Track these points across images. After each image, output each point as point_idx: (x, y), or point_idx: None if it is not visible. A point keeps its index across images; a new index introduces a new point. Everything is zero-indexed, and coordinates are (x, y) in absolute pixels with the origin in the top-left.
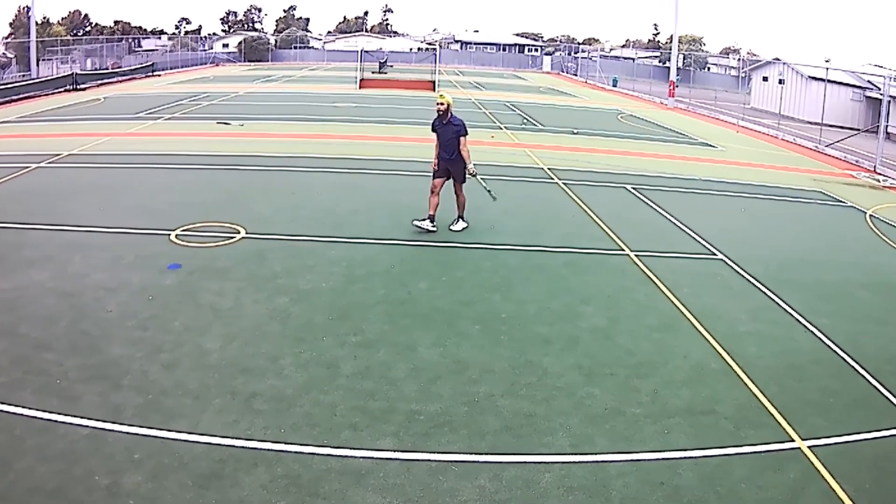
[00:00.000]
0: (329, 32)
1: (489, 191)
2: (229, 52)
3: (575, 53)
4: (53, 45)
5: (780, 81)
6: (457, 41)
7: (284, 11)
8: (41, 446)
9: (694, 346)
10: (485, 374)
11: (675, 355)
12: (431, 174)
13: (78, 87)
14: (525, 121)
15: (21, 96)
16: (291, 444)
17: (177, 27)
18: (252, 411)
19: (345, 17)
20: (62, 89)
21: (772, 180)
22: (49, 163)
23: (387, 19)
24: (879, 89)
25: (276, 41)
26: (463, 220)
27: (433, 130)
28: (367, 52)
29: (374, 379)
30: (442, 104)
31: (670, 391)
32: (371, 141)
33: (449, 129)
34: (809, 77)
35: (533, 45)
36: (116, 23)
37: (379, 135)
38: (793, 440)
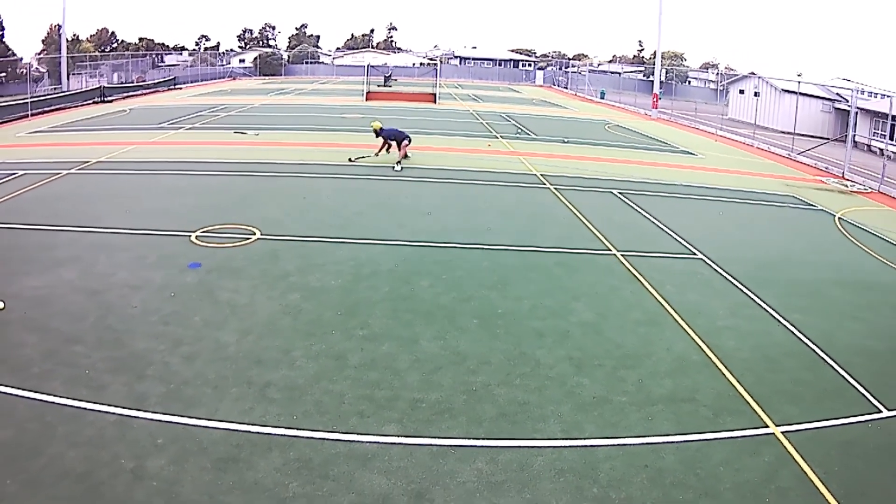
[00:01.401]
0: (338, 48)
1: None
2: (245, 67)
3: (565, 68)
4: (83, 60)
5: (756, 94)
6: (456, 56)
7: (297, 29)
8: (71, 432)
9: (676, 340)
10: (482, 365)
11: (659, 348)
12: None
13: (105, 99)
14: (519, 130)
15: (52, 108)
16: (303, 430)
17: (197, 44)
18: (266, 400)
19: (352, 35)
20: (90, 101)
21: (748, 185)
22: (78, 169)
23: (391, 36)
24: (847, 101)
25: (288, 56)
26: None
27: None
28: (373, 66)
29: (380, 370)
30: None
31: (654, 381)
32: (375, 149)
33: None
34: (782, 90)
35: (526, 61)
36: (141, 39)
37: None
38: (767, 426)
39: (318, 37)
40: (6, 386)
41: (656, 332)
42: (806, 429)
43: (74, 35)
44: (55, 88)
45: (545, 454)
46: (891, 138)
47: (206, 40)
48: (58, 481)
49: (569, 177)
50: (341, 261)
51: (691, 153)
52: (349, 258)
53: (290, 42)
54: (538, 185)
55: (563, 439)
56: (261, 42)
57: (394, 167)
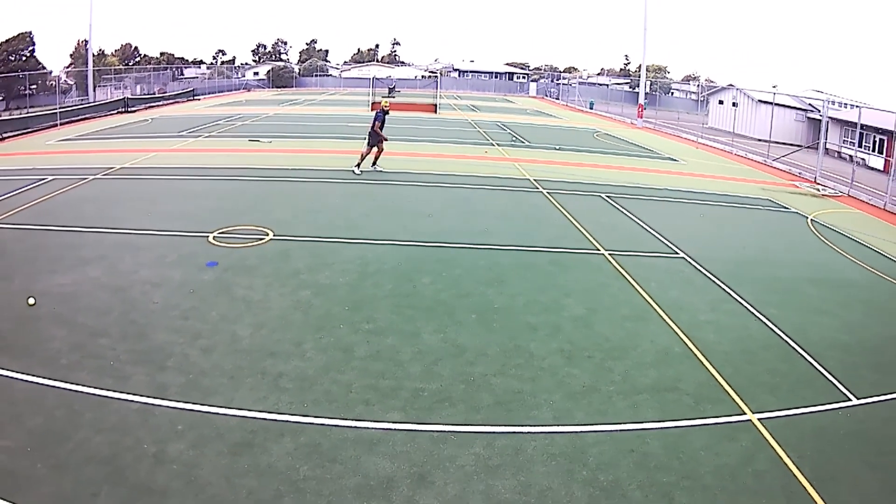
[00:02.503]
0: (345, 62)
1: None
2: (259, 80)
3: (557, 80)
4: (108, 73)
5: (734, 104)
6: (455, 69)
7: (307, 44)
8: (96, 419)
9: (660, 333)
10: (480, 356)
11: (644, 341)
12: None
13: (129, 109)
14: (514, 138)
15: (80, 117)
16: (313, 417)
17: (214, 58)
18: (279, 389)
19: (359, 49)
20: (115, 111)
21: (727, 189)
22: (103, 175)
23: (395, 51)
24: (819, 111)
25: (299, 70)
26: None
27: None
28: (378, 79)
29: (384, 361)
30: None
31: (640, 371)
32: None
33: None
34: (759, 101)
35: (521, 73)
36: (162, 54)
37: (386, 150)
38: (745, 414)
39: (327, 51)
40: (36, 376)
41: (642, 326)
42: (781, 416)
43: (100, 50)
44: (82, 99)
45: (538, 439)
46: (859, 145)
47: (223, 54)
48: (84, 464)
49: (561, 181)
50: (348, 260)
51: (674, 159)
52: (356, 257)
53: (300, 56)
54: (532, 189)
55: (554, 426)
56: (273, 56)
57: (370, 167)
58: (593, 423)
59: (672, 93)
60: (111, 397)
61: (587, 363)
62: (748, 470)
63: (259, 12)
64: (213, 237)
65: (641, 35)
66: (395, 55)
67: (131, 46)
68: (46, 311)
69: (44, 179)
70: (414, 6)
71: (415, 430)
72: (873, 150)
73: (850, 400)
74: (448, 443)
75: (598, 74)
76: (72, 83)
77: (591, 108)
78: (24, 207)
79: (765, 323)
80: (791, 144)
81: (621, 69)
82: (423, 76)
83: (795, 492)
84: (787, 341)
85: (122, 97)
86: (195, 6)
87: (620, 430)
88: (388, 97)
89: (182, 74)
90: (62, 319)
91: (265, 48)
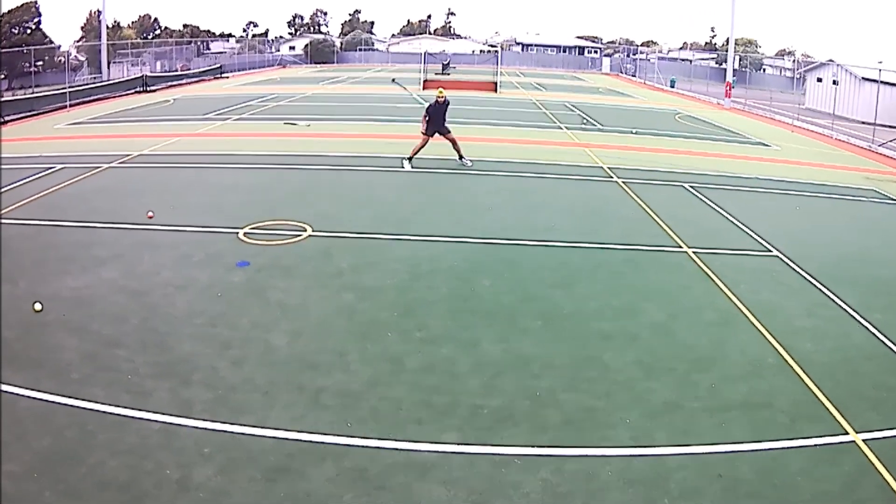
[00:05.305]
0: (393, 35)
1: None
2: (296, 55)
3: (633, 55)
4: (124, 47)
5: (834, 82)
6: (518, 43)
7: (349, 15)
8: (112, 441)
9: (751, 342)
10: (546, 369)
11: (733, 350)
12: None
13: (148, 88)
14: (584, 121)
15: (92, 98)
16: (358, 438)
17: (244, 30)
18: (319, 406)
19: (408, 21)
20: (132, 91)
21: (826, 179)
22: (120, 163)
23: (449, 22)
24: None
25: (341, 44)
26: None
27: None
28: (430, 54)
29: (438, 374)
30: (441, 96)
31: (728, 385)
32: (433, 141)
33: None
34: (862, 78)
35: (592, 48)
36: (185, 26)
37: (438, 135)
38: (847, 433)
39: (373, 23)
40: (45, 392)
41: (730, 334)
42: (888, 436)
43: (115, 21)
44: (95, 78)
45: (613, 463)
46: None
47: (255, 27)
48: (99, 491)
49: (637, 169)
50: (398, 259)
51: (766, 144)
52: (406, 256)
53: (342, 28)
54: (604, 178)
55: (632, 447)
56: (312, 28)
57: (464, 163)
58: (676, 444)
59: (764, 69)
60: (129, 416)
61: (668, 376)
62: (852, 497)
63: None
64: (244, 233)
65: (730, 4)
66: (450, 27)
67: (150, 18)
68: (56, 317)
69: (52, 168)
70: None
71: (473, 454)
72: None
73: None
74: (511, 467)
75: (681, 49)
76: (83, 59)
77: (672, 87)
78: (31, 200)
79: (869, 330)
80: None
81: (707, 43)
82: (481, 51)
83: None
84: (894, 351)
85: (140, 75)
86: None
87: (707, 453)
88: (443, 74)
89: (208, 49)
90: (73, 327)
91: (302, 20)
